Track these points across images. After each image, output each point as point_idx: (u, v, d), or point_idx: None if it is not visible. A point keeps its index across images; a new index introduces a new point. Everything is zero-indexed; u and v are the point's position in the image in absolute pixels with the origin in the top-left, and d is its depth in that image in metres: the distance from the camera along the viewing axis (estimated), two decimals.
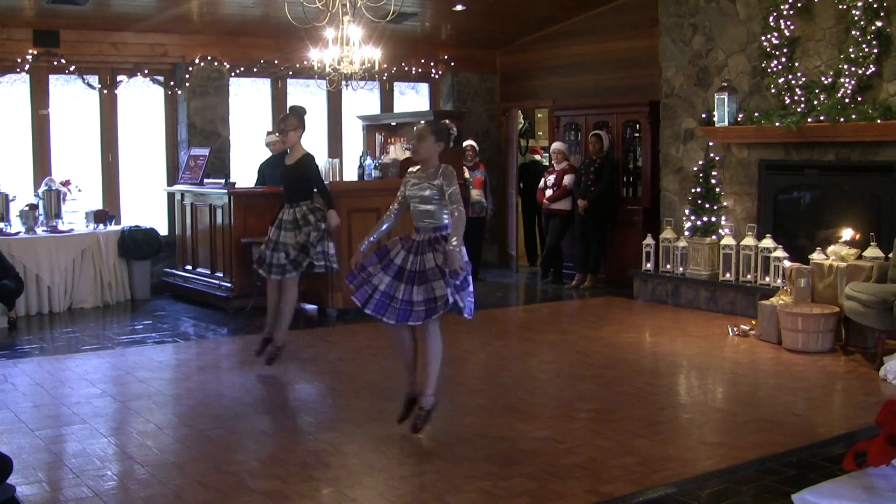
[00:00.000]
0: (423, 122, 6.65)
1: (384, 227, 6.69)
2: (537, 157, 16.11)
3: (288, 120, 8.51)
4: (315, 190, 8.57)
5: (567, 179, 13.18)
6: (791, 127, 10.19)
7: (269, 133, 12.65)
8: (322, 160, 12.27)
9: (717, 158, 11.46)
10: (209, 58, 13.05)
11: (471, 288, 6.41)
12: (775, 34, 10.59)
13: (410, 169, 6.63)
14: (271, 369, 8.43)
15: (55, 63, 12.09)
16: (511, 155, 15.25)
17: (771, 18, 10.62)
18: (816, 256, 9.56)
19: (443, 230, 6.35)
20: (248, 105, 13.89)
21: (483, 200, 13.80)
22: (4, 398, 7.51)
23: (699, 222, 11.41)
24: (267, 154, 12.43)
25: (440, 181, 6.32)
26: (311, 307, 11.39)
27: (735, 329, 9.91)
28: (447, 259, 6.20)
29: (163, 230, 12.92)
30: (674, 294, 11.66)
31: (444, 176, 6.34)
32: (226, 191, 11.55)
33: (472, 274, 13.71)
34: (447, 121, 6.78)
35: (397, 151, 13.26)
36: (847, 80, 9.90)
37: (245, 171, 13.29)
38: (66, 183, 11.97)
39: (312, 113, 14.16)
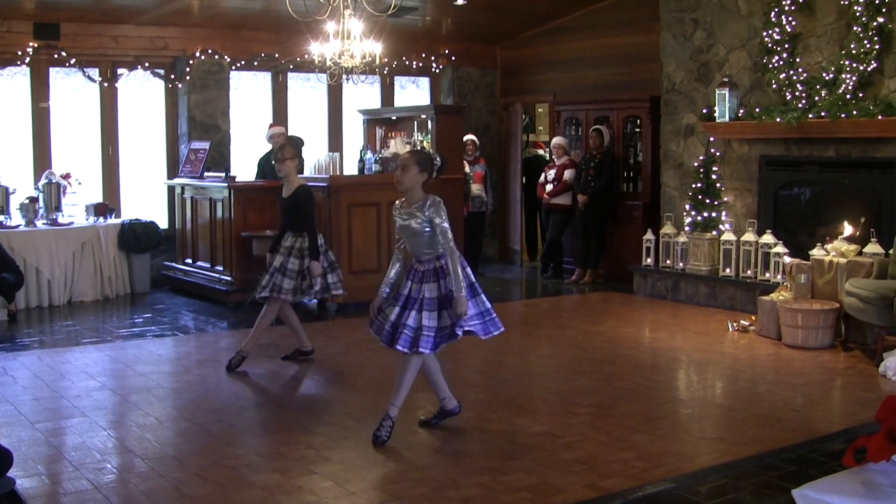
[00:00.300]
0: (405, 152, 6.49)
1: (396, 268, 6.52)
2: (540, 151, 16.11)
3: (285, 149, 8.38)
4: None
5: (567, 174, 13.17)
6: (792, 123, 10.18)
7: (271, 126, 12.65)
8: (322, 154, 12.26)
9: (717, 154, 11.45)
10: (210, 51, 13.05)
11: (479, 310, 6.35)
12: (776, 30, 10.58)
13: (395, 203, 6.47)
14: (277, 362, 8.45)
15: (55, 56, 12.09)
16: (514, 149, 15.26)
17: (772, 14, 10.61)
18: (816, 252, 9.56)
19: (443, 258, 6.23)
20: (249, 99, 13.89)
21: (483, 195, 13.81)
22: (4, 391, 7.52)
23: (699, 218, 11.41)
24: (268, 147, 12.41)
25: (429, 213, 6.18)
26: (311, 301, 11.39)
27: (735, 325, 9.91)
28: (453, 305, 6.12)
29: (163, 224, 12.92)
30: (673, 289, 11.66)
31: (432, 207, 6.20)
32: (226, 184, 11.54)
33: (473, 268, 13.75)
34: (431, 151, 6.71)
35: (398, 146, 13.25)
36: (848, 76, 9.89)
37: (245, 164, 13.30)
38: (67, 176, 11.97)
39: (313, 107, 14.25)
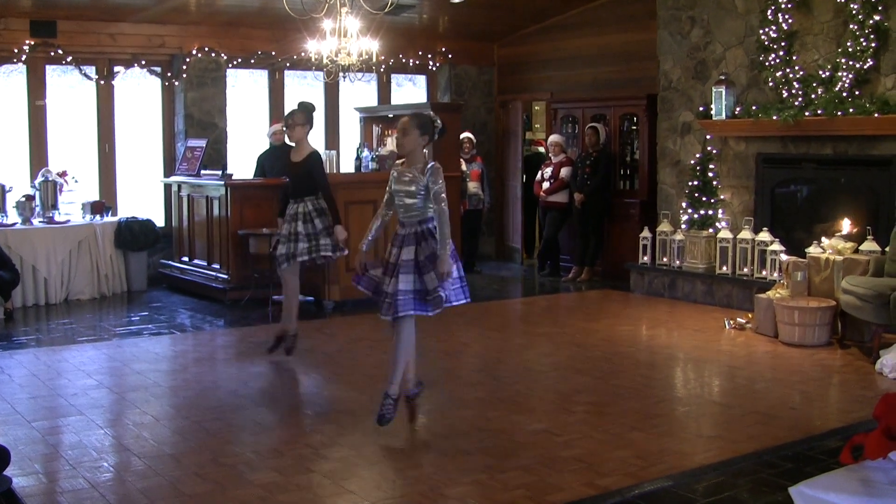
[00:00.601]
0: (406, 115, 6.54)
1: (378, 223, 6.62)
2: (540, 149, 16.11)
3: (295, 115, 8.42)
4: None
5: (564, 172, 13.17)
6: (788, 120, 10.19)
7: (272, 123, 12.67)
8: (321, 152, 12.24)
9: (714, 152, 11.46)
10: (206, 49, 13.04)
11: (455, 277, 6.36)
12: (773, 28, 10.59)
13: (396, 162, 6.56)
14: (274, 359, 8.46)
15: (52, 53, 12.08)
16: (513, 147, 15.27)
17: (769, 12, 10.61)
18: (813, 250, 9.57)
19: (428, 223, 6.30)
20: (246, 96, 13.89)
21: (480, 193, 13.82)
22: (1, 389, 7.51)
23: (696, 215, 11.42)
24: (267, 145, 12.41)
25: (427, 178, 6.25)
26: (307, 299, 11.38)
27: (732, 322, 9.92)
28: (436, 264, 6.17)
29: (159, 221, 12.92)
30: (670, 287, 11.66)
31: (431, 173, 6.26)
32: (222, 182, 11.54)
33: (469, 266, 13.77)
34: (431, 112, 6.72)
35: (394, 143, 13.24)
36: (845, 73, 9.89)
37: (242, 162, 13.29)
38: (63, 174, 11.96)
39: None
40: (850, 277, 8.82)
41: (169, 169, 13.22)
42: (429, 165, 6.31)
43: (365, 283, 6.51)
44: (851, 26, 9.83)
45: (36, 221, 11.47)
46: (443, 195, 6.25)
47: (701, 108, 11.44)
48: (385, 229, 6.93)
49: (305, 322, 10.16)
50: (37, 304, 11.25)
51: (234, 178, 11.81)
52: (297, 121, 8.38)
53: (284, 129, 8.59)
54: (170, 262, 12.80)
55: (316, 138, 13.96)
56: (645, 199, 12.76)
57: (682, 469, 5.73)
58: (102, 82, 12.72)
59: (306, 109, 8.55)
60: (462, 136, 13.76)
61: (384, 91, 15.23)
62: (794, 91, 10.38)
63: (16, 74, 12.22)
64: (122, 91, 12.98)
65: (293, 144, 8.61)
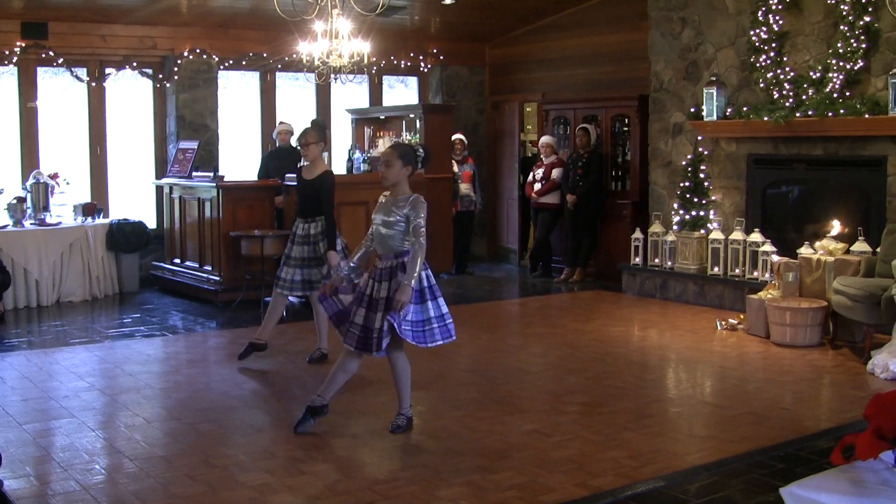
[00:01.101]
0: (387, 146, 6.51)
1: (362, 251, 6.57)
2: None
3: (308, 133, 8.32)
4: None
5: (555, 173, 13.18)
6: (780, 121, 10.21)
7: (280, 123, 12.75)
8: (333, 172, 12.25)
9: (705, 153, 11.48)
10: (198, 50, 13.03)
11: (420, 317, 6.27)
12: (764, 29, 10.61)
13: (384, 193, 6.49)
14: (258, 363, 8.46)
15: (43, 55, 12.06)
16: (507, 148, 15.29)
17: (760, 13, 10.63)
18: (804, 251, 9.59)
19: (403, 256, 6.23)
20: (237, 98, 13.88)
21: (472, 194, 13.83)
22: None
23: (688, 216, 11.43)
24: (276, 145, 12.53)
25: (408, 210, 6.22)
26: (300, 300, 11.36)
27: (723, 323, 9.94)
28: (399, 290, 6.10)
29: (151, 223, 12.89)
30: (662, 288, 11.68)
31: (412, 206, 6.23)
32: (214, 184, 11.52)
33: (462, 268, 13.78)
34: (413, 142, 6.72)
35: (386, 145, 13.26)
36: (835, 74, 9.92)
37: (234, 164, 13.29)
38: (55, 176, 11.94)
39: (302, 106, 14.23)
40: (842, 278, 8.84)
41: (161, 171, 13.20)
42: (411, 197, 6.28)
43: (328, 305, 6.49)
44: (842, 27, 9.85)
45: (27, 223, 11.45)
46: (422, 229, 6.19)
47: (692, 109, 11.46)
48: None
49: (297, 323, 10.17)
50: (28, 306, 11.23)
51: (225, 179, 11.80)
52: (311, 139, 8.26)
53: (299, 147, 8.47)
54: (162, 263, 12.78)
55: None
56: (637, 199, 12.77)
57: (675, 469, 5.74)
58: (94, 84, 12.70)
59: (319, 127, 8.53)
60: (454, 137, 13.77)
61: (376, 92, 15.23)
62: (785, 92, 10.41)
63: (7, 76, 12.20)
64: (113, 93, 12.96)
65: (306, 161, 8.44)
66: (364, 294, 6.32)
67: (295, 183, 8.86)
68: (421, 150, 6.51)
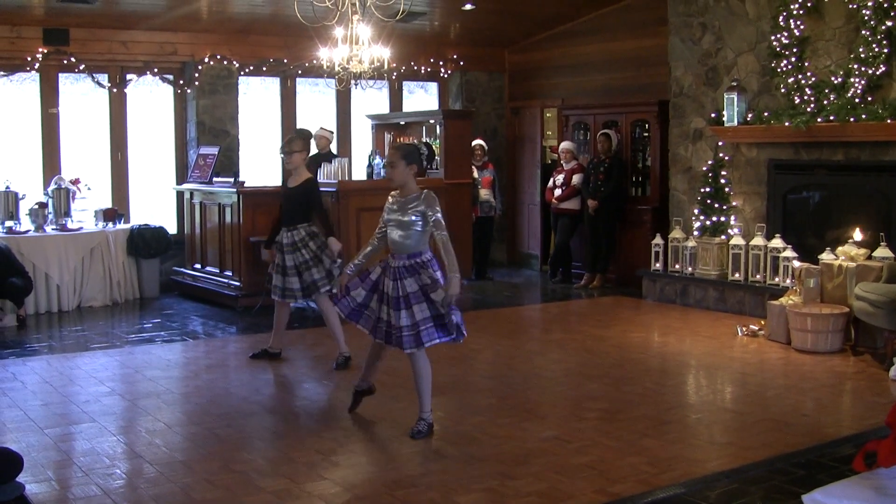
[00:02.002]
0: (390, 149, 6.63)
1: (368, 249, 6.71)
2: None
3: (293, 142, 8.52)
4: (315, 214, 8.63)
5: (576, 179, 13.17)
6: (800, 127, 10.16)
7: (323, 128, 12.97)
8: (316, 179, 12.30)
9: (726, 158, 11.44)
10: (218, 56, 13.07)
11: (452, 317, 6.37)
12: (785, 34, 10.57)
13: (392, 193, 6.61)
14: (277, 369, 8.48)
15: (65, 61, 12.12)
16: (528, 154, 15.28)
17: (780, 18, 10.59)
18: (826, 256, 9.54)
19: (418, 256, 6.36)
20: (257, 104, 13.92)
21: (491, 199, 13.83)
22: (14, 396, 7.54)
23: (708, 222, 11.39)
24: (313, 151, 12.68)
25: (423, 207, 6.35)
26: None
27: (744, 329, 9.90)
28: (446, 284, 6.24)
29: (172, 229, 12.96)
30: (682, 294, 11.64)
31: (426, 202, 6.36)
32: (234, 189, 11.56)
33: (481, 273, 13.83)
34: (416, 141, 6.85)
35: None
36: (857, 79, 9.87)
37: (254, 169, 13.33)
38: (76, 181, 12.02)
39: (322, 112, 14.26)
40: (863, 284, 8.79)
41: (181, 176, 13.26)
42: (423, 194, 6.41)
43: (343, 305, 6.58)
44: (863, 32, 9.80)
45: (49, 229, 11.51)
46: (442, 222, 6.36)
47: (713, 115, 11.43)
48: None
49: (316, 329, 10.17)
50: (49, 311, 11.29)
51: (245, 185, 11.83)
52: (296, 147, 8.48)
53: (282, 156, 8.70)
54: (182, 269, 12.82)
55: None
56: (657, 205, 12.75)
57: (694, 476, 5.71)
58: (115, 90, 12.76)
59: (303, 137, 8.68)
60: (473, 143, 13.77)
61: (396, 98, 15.25)
62: (805, 97, 10.36)
63: (29, 82, 12.27)
64: (134, 98, 13.02)
65: (290, 169, 8.65)
66: (381, 291, 6.42)
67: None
68: (424, 149, 6.63)
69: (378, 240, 6.65)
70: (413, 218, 6.35)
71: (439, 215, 6.35)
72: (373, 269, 6.54)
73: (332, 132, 13.10)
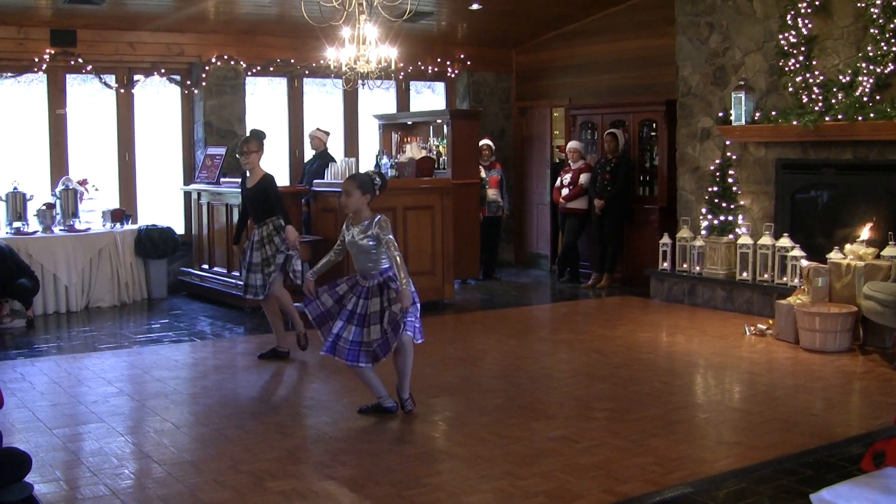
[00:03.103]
0: (346, 179, 7.22)
1: (328, 260, 7.19)
2: None
3: (250, 142, 8.86)
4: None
5: (583, 178, 13.16)
6: (808, 126, 10.14)
7: (318, 129, 13.11)
8: (339, 159, 12.31)
9: (733, 157, 11.42)
10: (225, 57, 13.08)
11: (414, 315, 6.82)
12: (793, 33, 10.55)
13: (349, 216, 7.03)
14: (284, 370, 8.49)
15: (72, 62, 12.14)
16: (537, 153, 15.27)
17: (788, 17, 10.57)
18: (834, 256, 9.52)
19: (387, 272, 6.81)
20: (265, 104, 13.92)
21: (499, 200, 13.82)
22: (22, 397, 7.55)
23: (716, 221, 11.37)
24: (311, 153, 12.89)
25: (375, 231, 6.78)
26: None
27: (752, 328, 9.88)
28: (398, 297, 6.68)
29: (179, 229, 12.97)
30: (690, 293, 11.63)
31: (378, 227, 6.79)
32: (241, 188, 11.54)
33: (489, 273, 13.84)
34: (370, 171, 7.43)
35: (413, 151, 13.28)
36: (865, 78, 9.85)
37: None
38: (83, 182, 12.03)
39: (329, 112, 14.28)
40: (872, 283, 8.77)
41: (188, 177, 13.27)
42: (375, 219, 6.85)
43: (313, 308, 7.02)
44: (872, 30, 9.78)
45: (56, 229, 11.53)
46: (394, 244, 6.79)
47: (720, 114, 11.41)
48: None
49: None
50: (57, 311, 11.31)
51: None
52: (252, 148, 8.85)
53: (238, 156, 8.99)
54: (190, 269, 12.83)
55: (335, 146, 14.05)
56: (664, 205, 12.73)
57: (702, 476, 5.70)
58: (122, 91, 12.78)
59: (258, 137, 8.98)
60: (481, 143, 13.77)
61: (403, 98, 15.25)
62: (813, 96, 10.34)
63: (36, 84, 12.29)
64: (141, 99, 13.04)
65: (247, 169, 8.98)
66: (349, 311, 6.85)
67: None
68: (378, 179, 7.10)
69: (335, 253, 7.17)
70: (369, 243, 6.79)
71: (391, 236, 6.79)
72: (340, 283, 7.03)
73: (328, 132, 13.11)
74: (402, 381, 6.99)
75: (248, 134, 9.20)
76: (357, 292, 6.86)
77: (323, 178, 11.83)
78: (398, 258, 6.73)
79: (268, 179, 8.86)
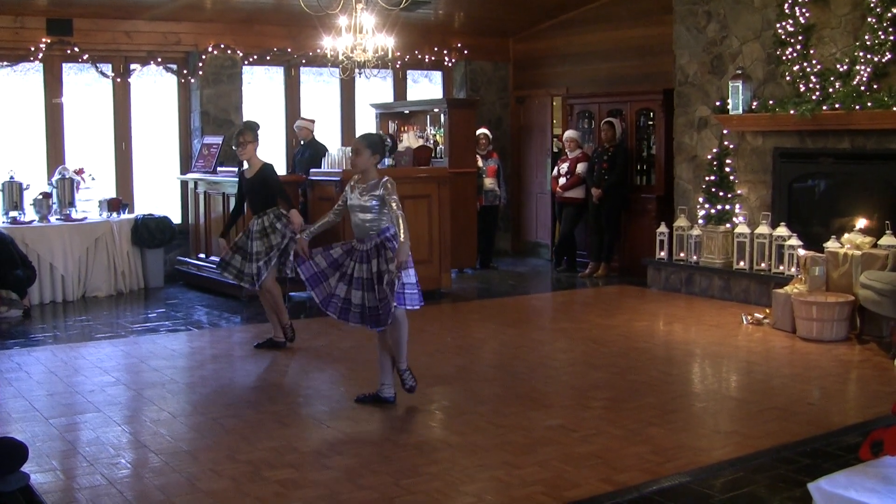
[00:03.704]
0: (357, 137, 7.20)
1: (325, 220, 7.19)
2: None
3: (244, 134, 8.79)
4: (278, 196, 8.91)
5: (580, 168, 13.15)
6: (806, 115, 10.13)
7: (302, 118, 13.02)
8: (335, 149, 12.29)
9: (731, 146, 11.41)
10: (222, 46, 13.06)
11: (410, 281, 6.74)
12: (790, 21, 10.53)
13: (354, 176, 7.02)
14: (281, 359, 8.49)
15: (68, 51, 12.11)
16: (535, 143, 15.25)
17: (786, 6, 10.56)
18: (831, 245, 9.52)
19: (385, 233, 6.75)
20: (261, 93, 13.90)
21: (496, 189, 13.81)
22: (19, 386, 7.54)
23: (713, 210, 11.37)
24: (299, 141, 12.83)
25: (381, 192, 6.72)
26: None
27: (749, 318, 9.89)
28: (396, 253, 6.57)
29: (176, 218, 12.95)
30: (687, 282, 11.63)
31: (383, 188, 6.73)
32: (238, 179, 11.52)
33: (486, 262, 13.83)
34: (381, 132, 7.22)
35: (410, 140, 13.26)
36: (862, 67, 9.83)
37: None
38: (80, 171, 12.01)
39: (326, 101, 14.25)
40: (869, 272, 8.77)
41: (185, 166, 13.26)
42: (382, 180, 6.78)
43: (306, 268, 6.98)
44: (869, 19, 9.77)
45: (53, 219, 11.52)
46: (398, 203, 6.69)
47: (717, 103, 11.40)
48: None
49: (321, 319, 10.15)
50: (54, 301, 11.30)
51: None
52: (247, 139, 8.78)
53: (234, 148, 8.93)
54: (186, 258, 12.83)
55: (332, 135, 14.04)
56: (661, 194, 12.73)
57: (700, 465, 5.71)
58: (119, 80, 12.75)
59: (252, 128, 8.90)
60: (478, 132, 13.75)
61: (400, 87, 15.23)
62: (811, 85, 10.33)
63: (32, 73, 12.27)
64: (138, 88, 13.01)
65: (244, 160, 8.98)
66: (347, 274, 6.81)
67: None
68: (388, 140, 7.11)
69: (335, 214, 7.15)
70: (373, 203, 6.73)
71: (396, 197, 6.70)
72: (335, 246, 6.95)
73: (313, 120, 13.06)
74: (398, 353, 6.95)
75: (242, 125, 9.14)
76: (355, 257, 6.79)
77: (316, 167, 11.79)
78: (401, 217, 6.61)
79: (267, 168, 8.83)
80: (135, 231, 12.09)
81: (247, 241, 8.74)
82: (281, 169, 12.85)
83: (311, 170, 11.75)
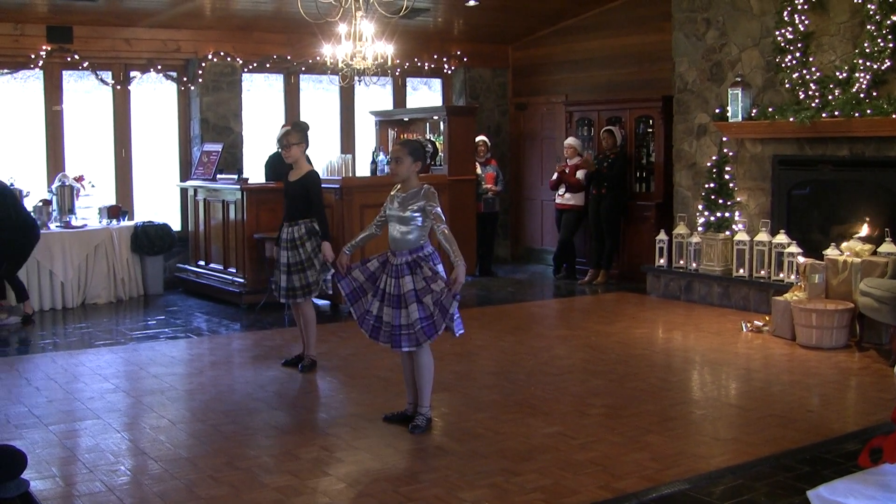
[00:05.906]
0: (397, 144, 6.74)
1: (366, 234, 6.81)
2: None
3: (290, 135, 8.16)
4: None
5: (580, 175, 13.15)
6: (805, 122, 10.14)
7: (283, 126, 12.79)
8: (335, 156, 12.29)
9: (730, 154, 11.42)
10: (222, 53, 13.07)
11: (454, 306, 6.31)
12: (789, 29, 10.55)
13: (393, 190, 6.65)
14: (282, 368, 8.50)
15: (68, 59, 12.13)
16: (537, 150, 15.23)
17: (785, 13, 10.57)
18: (831, 252, 9.53)
19: (419, 251, 6.38)
20: (261, 100, 13.91)
21: (495, 195, 13.81)
22: (18, 393, 7.55)
23: (712, 218, 11.37)
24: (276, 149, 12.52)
25: (422, 202, 6.39)
26: (323, 303, 11.39)
27: (748, 325, 9.89)
28: (453, 272, 6.19)
29: (176, 226, 12.96)
30: (687, 290, 11.63)
31: (425, 197, 6.41)
32: (238, 186, 11.55)
33: (485, 269, 13.82)
34: (421, 138, 6.89)
35: None
36: (862, 74, 9.85)
37: (258, 166, 13.32)
38: (80, 178, 12.01)
39: (325, 109, 14.26)
40: (869, 279, 8.77)
41: (185, 173, 13.26)
42: (423, 189, 6.46)
43: (345, 284, 6.58)
44: (868, 27, 9.78)
45: (53, 226, 11.52)
46: (442, 216, 6.40)
47: (717, 110, 11.40)
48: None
49: (321, 326, 10.13)
50: (54, 308, 11.30)
51: (249, 182, 11.83)
52: (293, 140, 8.10)
53: (280, 150, 8.28)
54: (186, 266, 12.83)
55: (331, 142, 14.04)
56: (661, 201, 12.73)
57: (699, 472, 5.71)
58: (118, 87, 12.76)
59: (301, 129, 8.29)
60: (477, 139, 13.76)
61: (399, 94, 15.24)
62: (810, 92, 10.34)
63: (32, 80, 12.28)
64: (138, 96, 13.02)
65: (290, 162, 8.29)
66: (381, 289, 6.44)
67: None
68: (429, 145, 6.78)
69: (376, 227, 6.73)
70: (413, 213, 6.38)
71: (439, 209, 6.39)
72: (371, 259, 6.59)
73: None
74: (422, 395, 6.60)
75: (290, 124, 8.54)
76: (388, 270, 6.42)
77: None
78: (446, 230, 6.30)
79: (312, 177, 8.19)
80: (134, 238, 12.09)
81: (279, 252, 8.25)
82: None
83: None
